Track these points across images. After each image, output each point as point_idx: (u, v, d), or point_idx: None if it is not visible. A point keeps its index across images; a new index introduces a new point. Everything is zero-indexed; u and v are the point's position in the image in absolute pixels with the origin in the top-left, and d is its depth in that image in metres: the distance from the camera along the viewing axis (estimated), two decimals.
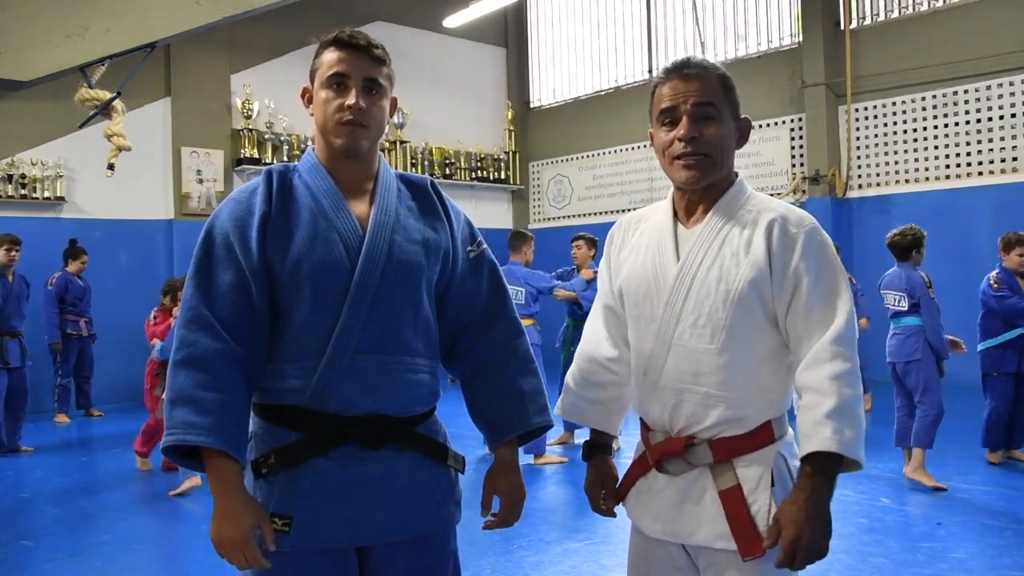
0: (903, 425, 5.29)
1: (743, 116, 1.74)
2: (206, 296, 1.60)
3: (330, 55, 1.69)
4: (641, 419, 1.80)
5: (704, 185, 1.69)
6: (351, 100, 1.65)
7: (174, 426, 1.54)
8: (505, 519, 1.80)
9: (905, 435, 5.28)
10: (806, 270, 1.60)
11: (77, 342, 8.35)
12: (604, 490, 1.87)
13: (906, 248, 5.25)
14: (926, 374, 5.10)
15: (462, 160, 12.21)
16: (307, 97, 1.75)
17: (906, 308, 5.22)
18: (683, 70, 1.69)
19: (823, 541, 1.54)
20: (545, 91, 13.35)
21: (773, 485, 1.62)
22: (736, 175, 1.75)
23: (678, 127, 1.67)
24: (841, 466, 1.56)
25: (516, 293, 6.01)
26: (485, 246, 1.87)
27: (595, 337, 1.90)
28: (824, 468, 1.54)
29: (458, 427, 1.89)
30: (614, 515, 1.88)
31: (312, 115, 1.73)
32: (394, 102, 1.78)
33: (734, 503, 1.62)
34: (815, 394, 1.56)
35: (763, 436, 1.65)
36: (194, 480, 4.78)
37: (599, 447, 1.91)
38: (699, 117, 1.66)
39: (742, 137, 1.75)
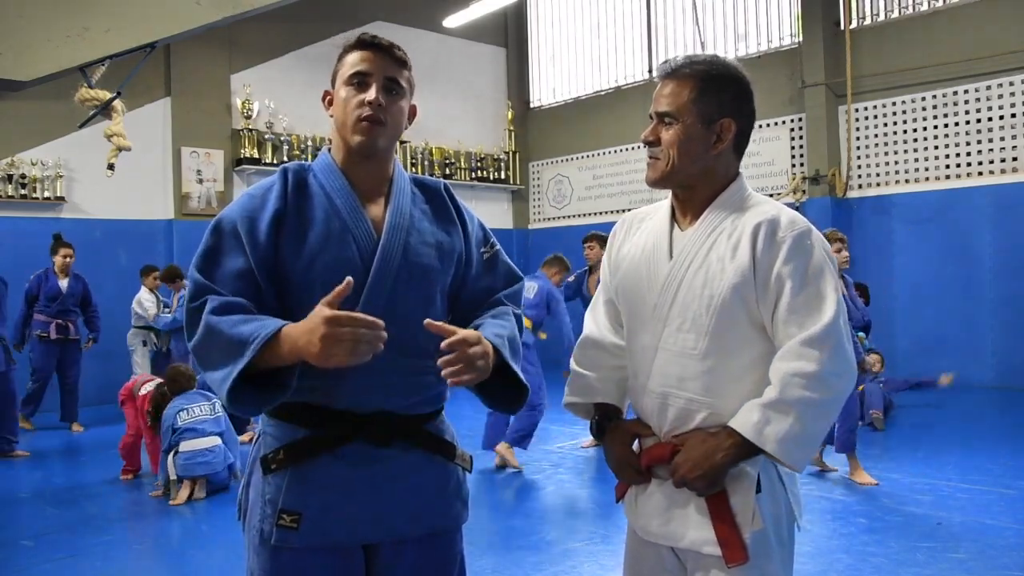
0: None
1: (724, 119, 1.67)
2: (211, 277, 1.59)
3: (353, 56, 1.69)
4: (637, 419, 1.80)
5: (663, 187, 1.72)
6: (371, 96, 1.65)
7: (249, 335, 1.48)
8: (455, 360, 1.54)
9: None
10: (789, 275, 1.59)
11: (47, 345, 7.57)
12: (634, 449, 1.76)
13: None
14: None
15: (462, 160, 12.21)
16: (328, 100, 1.75)
17: None
18: (661, 71, 1.73)
19: (700, 483, 1.59)
20: (545, 91, 13.34)
21: (760, 492, 1.61)
22: (737, 176, 1.73)
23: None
24: (761, 453, 1.57)
25: (528, 288, 5.78)
26: (499, 247, 1.88)
27: (598, 327, 1.89)
28: (743, 442, 1.57)
29: (463, 428, 1.89)
30: (647, 479, 1.74)
31: (332, 117, 1.72)
32: (413, 110, 1.78)
33: (719, 509, 1.62)
34: (770, 384, 1.58)
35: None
36: (184, 490, 4.82)
37: (611, 418, 1.83)
38: (660, 121, 1.70)
39: (719, 140, 1.68)
